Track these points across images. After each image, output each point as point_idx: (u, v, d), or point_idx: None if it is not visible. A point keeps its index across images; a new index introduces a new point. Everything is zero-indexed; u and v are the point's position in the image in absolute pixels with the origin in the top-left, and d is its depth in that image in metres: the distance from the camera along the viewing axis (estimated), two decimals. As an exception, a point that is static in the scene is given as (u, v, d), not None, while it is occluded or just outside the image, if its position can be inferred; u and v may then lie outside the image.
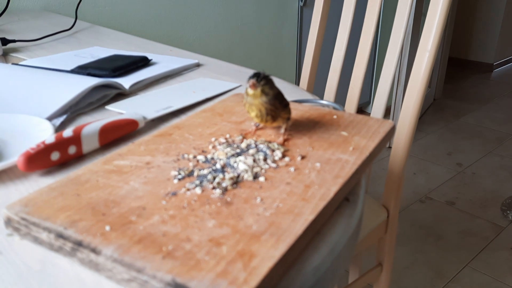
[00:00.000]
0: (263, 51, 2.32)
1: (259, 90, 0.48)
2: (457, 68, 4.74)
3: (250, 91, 0.49)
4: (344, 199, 0.42)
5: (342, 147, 0.49)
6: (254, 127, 0.54)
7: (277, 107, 0.49)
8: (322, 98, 0.80)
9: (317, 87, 1.41)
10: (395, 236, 1.19)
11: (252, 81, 0.48)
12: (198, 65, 0.99)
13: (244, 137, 0.52)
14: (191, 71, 0.94)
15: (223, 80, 0.84)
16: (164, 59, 0.99)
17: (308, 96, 0.76)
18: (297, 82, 2.44)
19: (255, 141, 0.50)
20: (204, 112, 0.61)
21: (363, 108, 3.18)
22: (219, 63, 1.02)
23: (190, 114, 0.63)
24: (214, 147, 0.50)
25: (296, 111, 0.60)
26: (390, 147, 1.16)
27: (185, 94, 0.72)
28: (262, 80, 0.48)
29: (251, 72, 0.52)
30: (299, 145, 0.50)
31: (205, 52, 1.94)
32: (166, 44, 1.22)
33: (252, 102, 0.49)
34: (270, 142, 0.50)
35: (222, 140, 0.52)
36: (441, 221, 1.96)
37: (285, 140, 0.51)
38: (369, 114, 1.22)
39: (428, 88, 3.22)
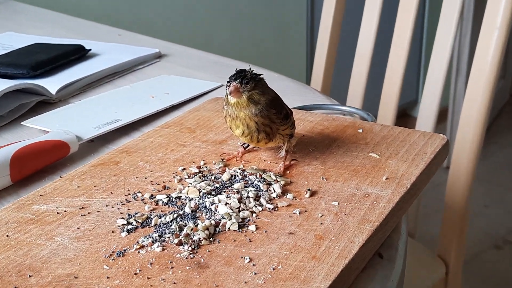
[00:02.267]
0: (260, 36, 2.33)
1: (244, 97, 0.50)
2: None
3: (232, 99, 0.50)
4: (375, 254, 0.43)
5: (371, 176, 0.51)
6: (240, 150, 0.56)
7: (273, 120, 0.51)
8: (342, 102, 0.81)
9: (335, 87, 1.42)
10: (458, 301, 1.19)
11: (234, 84, 0.49)
12: (159, 56, 1.00)
13: (227, 165, 0.54)
14: (150, 65, 0.96)
15: (195, 78, 0.86)
16: (110, 49, 1.00)
17: (322, 99, 0.77)
18: (308, 80, 2.44)
19: (243, 171, 0.52)
20: (167, 127, 0.63)
21: (407, 111, 3.20)
22: (191, 52, 1.04)
23: (146, 130, 0.66)
24: (181, 180, 0.52)
25: (304, 123, 0.62)
26: (447, 168, 1.17)
27: (139, 101, 0.75)
28: (249, 82, 0.50)
29: (235, 66, 0.54)
30: (307, 174, 0.52)
31: (171, 36, 1.93)
32: (112, 26, 1.23)
33: (236, 115, 0.51)
34: (264, 171, 0.52)
35: (194, 169, 0.54)
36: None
37: (286, 168, 0.53)
38: (415, 119, 1.22)
39: (501, 79, 3.24)
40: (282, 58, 2.33)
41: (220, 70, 0.90)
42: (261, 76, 0.51)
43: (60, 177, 0.54)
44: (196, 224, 0.45)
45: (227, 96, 0.51)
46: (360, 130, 0.60)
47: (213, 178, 0.52)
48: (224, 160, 0.55)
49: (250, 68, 0.51)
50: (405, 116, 3.05)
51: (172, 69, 0.91)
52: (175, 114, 0.72)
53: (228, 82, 0.50)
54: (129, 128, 0.68)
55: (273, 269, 0.38)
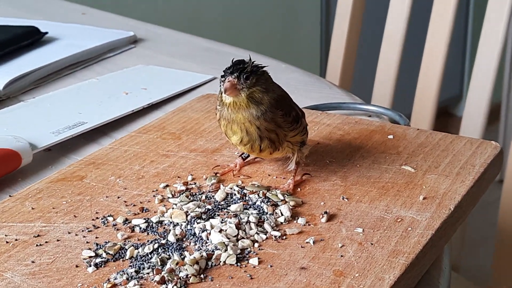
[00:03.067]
0: (261, 14, 2.28)
1: (243, 96, 0.51)
2: None
3: (228, 99, 0.51)
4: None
5: (405, 195, 0.51)
6: (238, 162, 0.57)
7: (279, 123, 0.52)
8: (367, 100, 0.83)
9: (358, 80, 1.42)
10: None
11: (230, 80, 0.50)
12: (134, 41, 1.00)
13: (221, 181, 0.55)
14: (122, 52, 0.96)
15: (181, 68, 0.86)
16: (71, 32, 0.99)
17: (342, 96, 0.77)
18: (322, 72, 2.41)
19: (241, 188, 0.53)
20: (145, 132, 0.64)
21: (449, 109, 3.19)
22: (174, 36, 1.04)
23: (119, 136, 0.66)
24: (163, 201, 0.53)
25: (319, 127, 0.63)
26: (500, 182, 1.17)
27: (109, 99, 0.75)
28: (249, 77, 0.50)
29: (231, 54, 0.56)
30: (323, 193, 0.52)
31: (149, 16, 1.89)
32: (75, 2, 1.23)
33: (233, 118, 0.51)
34: (269, 189, 0.53)
35: (179, 186, 0.54)
36: None
37: (297, 185, 0.53)
38: (459, 119, 1.22)
39: None
40: (291, 43, 2.30)
41: (211, 59, 0.90)
42: (264, 69, 0.52)
43: (10, 196, 0.54)
44: (182, 256, 0.45)
45: (221, 94, 0.51)
46: (390, 136, 0.61)
47: (203, 197, 0.52)
48: (218, 175, 0.56)
49: (250, 58, 0.52)
50: (447, 115, 3.04)
51: (150, 58, 0.91)
52: (155, 116, 0.72)
53: (222, 76, 0.51)
54: (96, 133, 0.68)
55: (281, 315, 0.38)
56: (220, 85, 0.51)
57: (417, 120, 1.22)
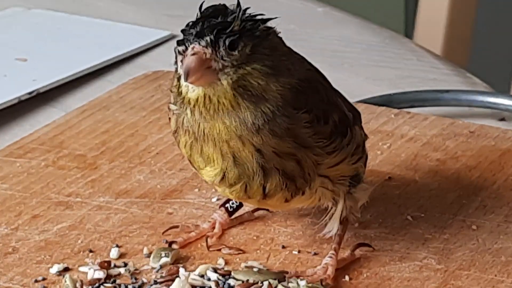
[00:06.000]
0: None
1: (226, 84, 0.38)
2: None
3: (194, 90, 0.39)
4: None
5: None
6: (218, 219, 0.44)
7: (303, 140, 0.39)
8: (499, 87, 0.67)
9: (478, 51, 1.13)
10: None
11: (198, 51, 0.37)
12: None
13: (180, 260, 0.43)
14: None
15: (104, 15, 0.73)
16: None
17: (447, 78, 0.61)
18: (407, 27, 1.90)
19: (223, 276, 0.41)
20: (23, 152, 0.51)
21: None
22: None
23: None
24: None
25: (395, 142, 0.51)
26: None
27: None
28: (237, 43, 0.37)
29: None
30: (399, 285, 0.40)
31: None
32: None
33: (205, 130, 0.39)
34: (283, 277, 0.40)
35: (91, 270, 0.41)
36: None
37: (341, 267, 0.41)
38: None
39: None
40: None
41: (168, 2, 0.75)
42: (267, 28, 0.39)
43: None
44: None
45: (179, 80, 0.39)
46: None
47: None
48: (175, 247, 0.42)
49: (239, 3, 0.38)
50: None
51: None
52: (48, 116, 0.57)
53: (180, 42, 0.37)
54: None
55: None
56: (177, 62, 0.38)
57: None
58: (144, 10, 0.74)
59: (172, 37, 0.68)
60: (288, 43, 0.40)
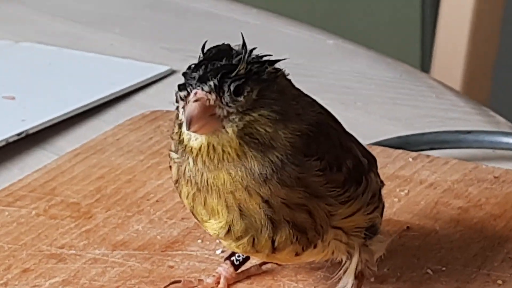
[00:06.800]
0: None
1: (231, 132, 0.39)
2: None
3: (197, 139, 0.39)
4: None
5: None
6: (223, 273, 0.45)
7: (315, 189, 0.39)
8: None
9: (500, 85, 1.14)
10: None
11: (201, 97, 0.38)
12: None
13: None
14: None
15: (98, 49, 0.73)
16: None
17: (469, 117, 0.61)
18: (424, 62, 1.89)
19: None
20: (12, 201, 0.51)
21: None
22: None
23: None
24: None
25: (415, 190, 0.50)
26: None
27: None
28: (243, 88, 0.38)
29: (205, 29, 0.52)
30: None
31: None
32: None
33: (209, 180, 0.40)
34: None
35: None
36: None
37: None
38: None
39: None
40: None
41: (168, 30, 0.76)
42: (275, 70, 0.39)
43: None
44: None
45: (180, 127, 0.39)
46: None
47: None
48: None
49: (244, 42, 0.38)
50: None
51: (30, 24, 0.77)
52: (38, 161, 0.57)
53: (182, 87, 0.37)
54: None
55: None
56: (179, 108, 0.39)
57: None
58: (141, 43, 0.75)
59: (171, 72, 0.68)
60: (295, 79, 0.40)
